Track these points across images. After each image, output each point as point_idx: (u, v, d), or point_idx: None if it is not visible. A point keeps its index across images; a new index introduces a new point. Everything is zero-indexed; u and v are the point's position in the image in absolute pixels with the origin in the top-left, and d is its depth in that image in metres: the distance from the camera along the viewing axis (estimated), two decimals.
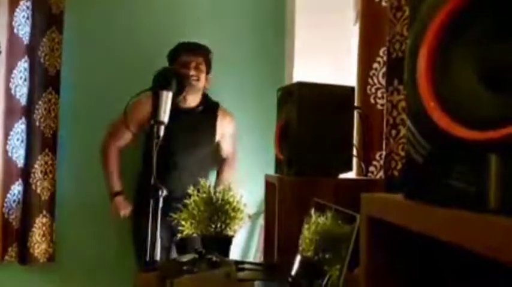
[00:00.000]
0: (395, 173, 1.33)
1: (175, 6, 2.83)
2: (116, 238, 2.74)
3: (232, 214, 1.71)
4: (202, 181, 1.81)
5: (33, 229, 2.64)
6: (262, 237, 2.01)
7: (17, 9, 2.70)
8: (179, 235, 1.74)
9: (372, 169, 1.62)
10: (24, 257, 2.65)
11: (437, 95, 0.48)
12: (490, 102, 0.43)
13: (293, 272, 1.24)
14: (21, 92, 2.71)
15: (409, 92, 0.54)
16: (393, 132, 1.33)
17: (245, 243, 2.77)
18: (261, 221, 2.56)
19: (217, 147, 2.61)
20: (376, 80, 1.63)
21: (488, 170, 0.41)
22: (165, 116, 1.73)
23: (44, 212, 2.68)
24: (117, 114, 2.24)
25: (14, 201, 2.71)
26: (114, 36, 2.80)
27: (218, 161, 2.66)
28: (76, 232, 2.76)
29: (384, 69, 1.54)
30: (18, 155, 2.71)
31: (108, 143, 2.51)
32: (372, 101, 1.63)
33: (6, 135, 2.70)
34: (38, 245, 2.66)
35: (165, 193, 1.65)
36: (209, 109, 2.54)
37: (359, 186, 1.46)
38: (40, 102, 2.68)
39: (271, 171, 1.66)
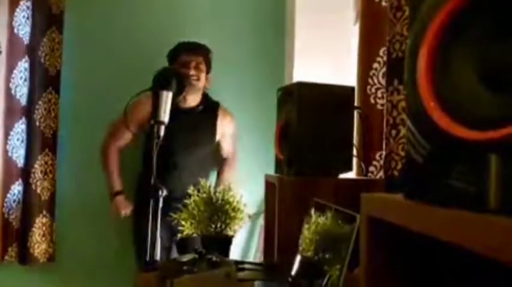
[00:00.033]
0: (395, 173, 1.33)
1: (175, 6, 2.83)
2: (116, 238, 2.74)
3: (232, 214, 1.71)
4: (202, 181, 1.81)
5: (33, 229, 2.64)
6: (262, 237, 2.01)
7: (17, 9, 2.71)
8: (179, 235, 1.74)
9: (372, 169, 1.62)
10: (24, 257, 2.65)
11: (437, 95, 0.48)
12: (490, 102, 0.43)
13: (293, 272, 1.24)
14: (21, 92, 2.71)
15: (409, 92, 0.54)
16: (393, 132, 1.33)
17: (245, 243, 2.77)
18: (261, 221, 2.57)
19: (217, 147, 2.61)
20: (376, 80, 1.63)
21: (488, 170, 0.41)
22: (165, 116, 1.73)
23: (44, 212, 2.68)
24: (117, 114, 2.24)
25: (14, 201, 2.71)
26: (114, 36, 2.80)
27: (218, 161, 2.66)
28: (76, 232, 2.76)
29: (384, 69, 1.54)
30: (18, 155, 2.71)
31: (108, 143, 2.51)
32: (372, 101, 1.63)
33: (6, 135, 2.70)
34: (38, 245, 2.66)
35: (165, 193, 1.65)
36: (209, 109, 2.54)
37: (359, 186, 1.46)
38: (40, 102, 2.68)
39: (271, 171, 1.66)
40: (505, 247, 0.35)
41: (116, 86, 2.70)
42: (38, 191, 2.66)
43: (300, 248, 1.25)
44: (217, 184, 2.52)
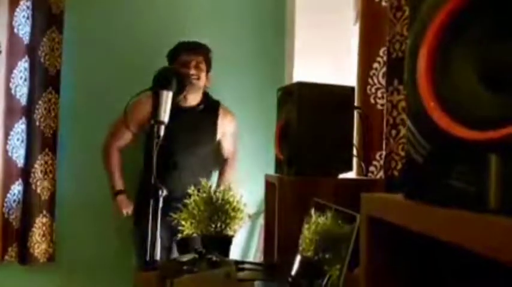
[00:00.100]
0: (395, 173, 1.33)
1: (175, 6, 2.83)
2: (116, 238, 2.75)
3: (232, 214, 1.71)
4: (202, 181, 1.81)
5: (33, 229, 2.64)
6: (262, 237, 2.01)
7: (17, 9, 2.71)
8: (179, 235, 1.74)
9: (372, 169, 1.62)
10: (24, 257, 2.65)
11: (437, 95, 0.48)
12: (490, 102, 0.43)
13: (293, 272, 1.24)
14: (21, 92, 2.71)
15: (409, 92, 0.54)
16: (393, 132, 1.33)
17: (245, 243, 2.77)
18: (261, 221, 2.56)
19: (218, 146, 2.60)
20: (376, 80, 1.63)
21: (488, 170, 0.41)
22: (165, 116, 1.73)
23: (44, 212, 2.68)
24: (117, 114, 2.24)
25: (14, 201, 2.71)
26: (114, 36, 2.80)
27: (219, 161, 2.66)
28: (76, 232, 2.76)
29: (384, 69, 1.54)
30: (18, 155, 2.71)
31: (109, 143, 2.51)
32: (372, 101, 1.63)
33: (6, 135, 2.70)
34: (38, 245, 2.66)
35: (165, 192, 1.65)
36: (210, 108, 2.54)
37: (359, 186, 1.46)
38: (40, 102, 2.68)
39: (271, 171, 1.66)
40: (505, 247, 0.35)
41: (116, 86, 2.70)
42: (38, 191, 2.66)
43: (300, 248, 1.25)
44: (218, 184, 2.52)
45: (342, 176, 1.48)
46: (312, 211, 1.25)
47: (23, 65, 2.71)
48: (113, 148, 2.50)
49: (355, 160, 1.56)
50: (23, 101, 2.72)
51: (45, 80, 2.69)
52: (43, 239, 2.67)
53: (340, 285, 0.98)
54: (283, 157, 1.52)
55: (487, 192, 0.41)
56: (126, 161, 2.54)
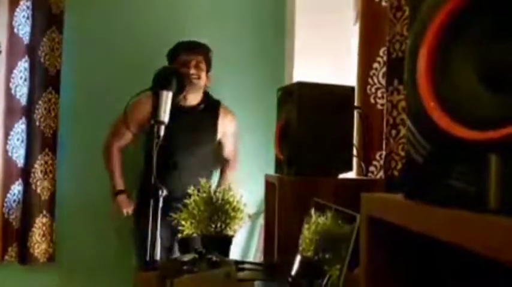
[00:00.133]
0: (396, 173, 1.33)
1: (175, 6, 2.83)
2: (116, 238, 2.75)
3: (232, 214, 1.71)
4: (202, 181, 1.81)
5: (33, 229, 2.64)
6: (262, 237, 2.01)
7: (17, 9, 2.71)
8: (179, 235, 1.74)
9: (372, 169, 1.62)
10: (24, 257, 2.65)
11: (437, 95, 0.48)
12: (490, 102, 0.43)
13: (293, 272, 1.24)
14: (21, 92, 2.71)
15: (409, 92, 0.54)
16: (393, 132, 1.33)
17: (245, 243, 2.77)
18: (261, 221, 2.56)
19: (218, 146, 2.60)
20: (376, 80, 1.63)
21: (488, 170, 0.41)
22: (165, 116, 1.73)
23: (44, 212, 2.68)
24: (117, 114, 2.24)
25: (14, 201, 2.71)
26: (114, 36, 2.80)
27: (220, 160, 2.66)
28: (76, 232, 2.76)
29: (384, 69, 1.54)
30: (18, 155, 2.71)
31: (110, 143, 2.51)
32: (372, 101, 1.63)
33: (6, 135, 2.70)
34: (38, 245, 2.66)
35: (165, 192, 1.65)
36: (210, 107, 2.54)
37: (359, 186, 1.46)
38: (40, 102, 2.68)
39: (271, 171, 1.66)
40: (505, 247, 0.35)
41: (116, 85, 2.70)
42: (38, 191, 2.66)
43: (300, 248, 1.25)
44: (218, 185, 2.52)
45: (342, 176, 1.48)
46: (312, 211, 1.25)
47: (23, 65, 2.71)
48: (114, 147, 2.50)
49: (355, 160, 1.56)
50: (23, 101, 2.72)
51: (45, 80, 2.69)
52: (43, 239, 2.67)
53: (340, 285, 0.98)
54: (283, 157, 1.52)
55: (487, 192, 0.41)
56: (127, 161, 2.54)
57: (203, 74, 2.46)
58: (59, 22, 2.72)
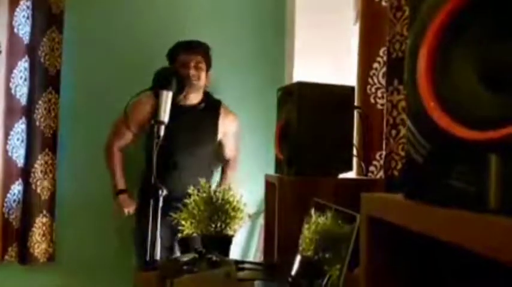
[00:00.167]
0: (396, 173, 1.33)
1: (175, 6, 2.83)
2: (116, 237, 2.75)
3: (232, 214, 1.71)
4: (201, 181, 1.81)
5: (33, 229, 2.65)
6: (262, 237, 2.01)
7: (17, 9, 2.71)
8: (179, 235, 1.74)
9: (372, 169, 1.62)
10: (24, 257, 2.65)
11: (437, 95, 0.48)
12: (490, 102, 0.43)
13: (293, 272, 1.24)
14: (21, 92, 2.72)
15: (409, 92, 0.54)
16: (393, 132, 1.33)
17: (245, 243, 2.77)
18: (261, 220, 2.56)
19: (219, 146, 2.60)
20: (376, 80, 1.63)
21: (488, 170, 0.41)
22: (165, 116, 1.73)
23: (44, 212, 2.68)
24: (118, 114, 2.24)
25: (14, 201, 2.71)
26: (114, 36, 2.80)
27: (220, 160, 2.66)
28: (76, 232, 2.76)
29: (384, 69, 1.54)
30: (18, 155, 2.71)
31: (111, 143, 2.52)
32: (372, 101, 1.63)
33: (6, 135, 2.70)
34: (38, 245, 2.66)
35: (165, 192, 1.65)
36: (211, 107, 2.54)
37: (359, 186, 1.46)
38: (40, 102, 2.68)
39: (271, 171, 1.66)
40: (505, 247, 0.35)
41: (116, 85, 2.70)
42: (38, 191, 2.67)
43: (300, 248, 1.25)
44: (219, 185, 2.52)
45: (342, 176, 1.48)
46: (312, 211, 1.25)
47: (23, 65, 2.71)
48: (115, 147, 2.51)
49: (355, 160, 1.56)
50: (23, 101, 2.72)
51: (45, 80, 2.69)
52: (43, 239, 2.67)
53: (340, 285, 0.98)
54: (283, 157, 1.52)
55: (487, 192, 0.41)
56: (129, 161, 2.55)
57: (203, 75, 2.46)
58: (59, 22, 2.72)
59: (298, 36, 2.51)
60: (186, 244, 1.73)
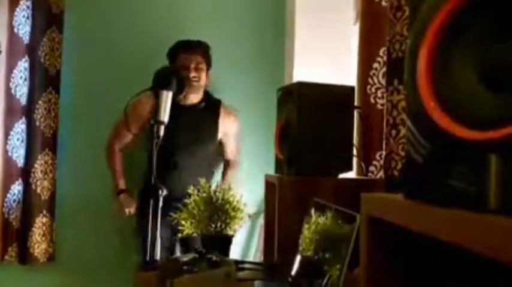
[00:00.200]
0: (396, 173, 1.33)
1: (175, 6, 2.83)
2: (116, 237, 2.75)
3: (232, 214, 1.71)
4: (201, 181, 1.81)
5: (33, 229, 2.64)
6: (262, 237, 2.01)
7: (17, 9, 2.71)
8: (179, 235, 1.74)
9: (372, 168, 1.62)
10: (24, 257, 2.65)
11: (437, 95, 0.48)
12: (490, 102, 0.43)
13: (293, 272, 1.24)
14: (21, 92, 2.72)
15: (409, 92, 0.54)
16: (393, 132, 1.33)
17: (245, 243, 2.77)
18: (261, 220, 2.56)
19: (219, 146, 2.60)
20: (376, 80, 1.63)
21: (488, 170, 0.41)
22: (165, 116, 1.73)
23: (44, 212, 2.68)
24: (118, 114, 2.24)
25: (14, 201, 2.71)
26: (114, 35, 2.80)
27: (220, 160, 2.66)
28: (76, 232, 2.76)
29: (384, 69, 1.54)
30: (18, 155, 2.71)
31: (112, 143, 2.52)
32: (372, 101, 1.63)
33: (6, 135, 2.70)
34: (38, 245, 2.66)
35: (165, 192, 1.65)
36: (211, 106, 2.54)
37: (359, 186, 1.46)
38: (40, 102, 2.68)
39: (271, 171, 1.66)
40: (505, 247, 0.35)
41: (116, 85, 2.70)
42: (38, 191, 2.67)
43: (300, 248, 1.25)
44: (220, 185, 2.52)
45: (342, 176, 1.48)
46: (312, 211, 1.25)
47: (23, 65, 2.71)
48: (116, 147, 2.51)
49: (355, 160, 1.56)
50: (23, 101, 2.72)
51: (45, 80, 2.69)
52: (43, 239, 2.67)
53: (340, 285, 0.98)
54: (283, 157, 1.52)
55: (487, 192, 0.41)
56: (130, 161, 2.55)
57: (203, 75, 2.45)
58: (59, 22, 2.72)
59: (298, 36, 2.50)
60: (186, 244, 1.73)
